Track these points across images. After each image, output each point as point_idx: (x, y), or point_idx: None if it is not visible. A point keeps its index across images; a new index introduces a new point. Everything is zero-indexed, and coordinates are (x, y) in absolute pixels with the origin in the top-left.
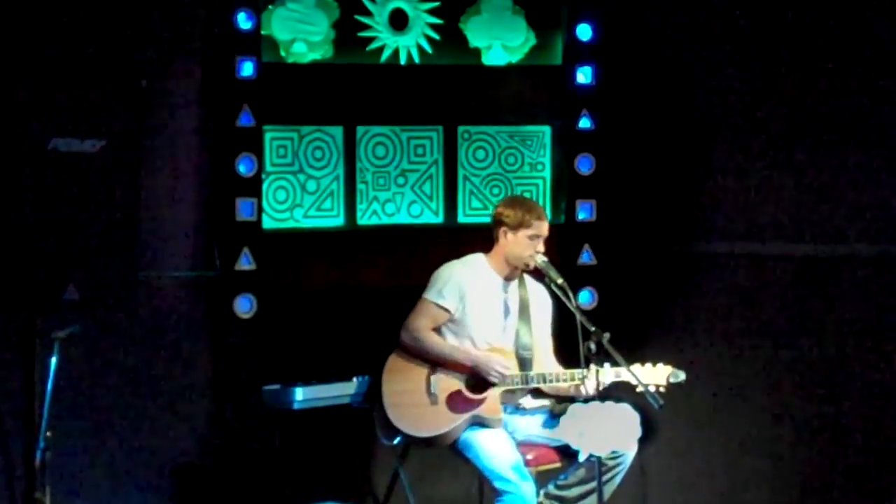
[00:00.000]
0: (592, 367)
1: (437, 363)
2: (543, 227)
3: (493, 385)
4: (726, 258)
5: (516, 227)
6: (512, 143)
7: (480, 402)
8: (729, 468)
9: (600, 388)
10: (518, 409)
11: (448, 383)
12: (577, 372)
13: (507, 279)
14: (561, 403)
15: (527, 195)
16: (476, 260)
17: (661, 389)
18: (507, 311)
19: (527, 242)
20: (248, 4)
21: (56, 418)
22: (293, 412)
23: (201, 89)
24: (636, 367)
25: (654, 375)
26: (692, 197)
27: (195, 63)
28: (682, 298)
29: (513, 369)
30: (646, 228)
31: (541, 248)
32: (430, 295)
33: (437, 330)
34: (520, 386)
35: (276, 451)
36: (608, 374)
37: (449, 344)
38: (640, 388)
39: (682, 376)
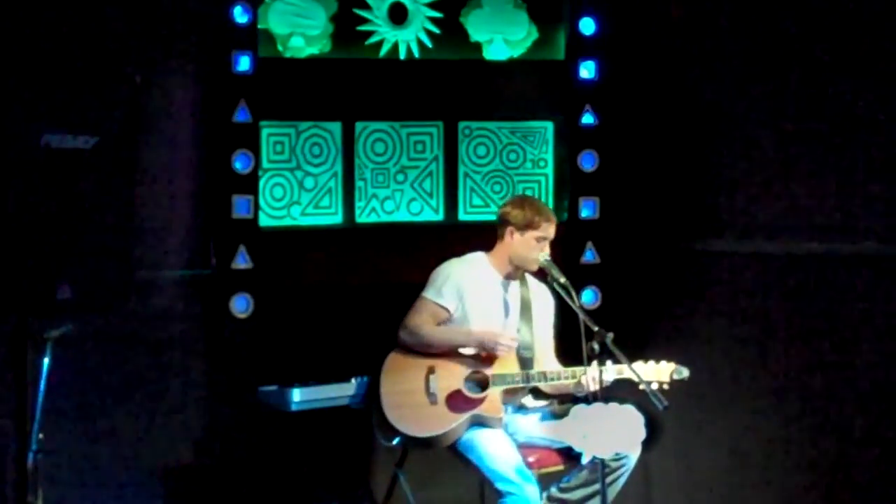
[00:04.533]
0: (595, 364)
1: (438, 356)
2: (551, 230)
3: (492, 378)
4: (731, 256)
5: (524, 227)
6: (514, 139)
7: (481, 401)
8: (733, 470)
9: (602, 385)
10: (520, 409)
11: (448, 382)
12: (578, 370)
13: (508, 278)
14: (563, 404)
15: (529, 192)
16: (476, 258)
17: (665, 386)
18: (507, 311)
19: (533, 244)
20: None
21: (49, 420)
22: (290, 414)
23: (197, 84)
24: (639, 365)
25: (657, 372)
26: (697, 194)
27: (190, 58)
28: (686, 297)
29: (513, 367)
30: (650, 226)
31: (546, 250)
32: (428, 294)
33: None
34: (521, 384)
35: (273, 453)
36: (610, 370)
37: (448, 329)
38: (642, 387)
39: (685, 373)
